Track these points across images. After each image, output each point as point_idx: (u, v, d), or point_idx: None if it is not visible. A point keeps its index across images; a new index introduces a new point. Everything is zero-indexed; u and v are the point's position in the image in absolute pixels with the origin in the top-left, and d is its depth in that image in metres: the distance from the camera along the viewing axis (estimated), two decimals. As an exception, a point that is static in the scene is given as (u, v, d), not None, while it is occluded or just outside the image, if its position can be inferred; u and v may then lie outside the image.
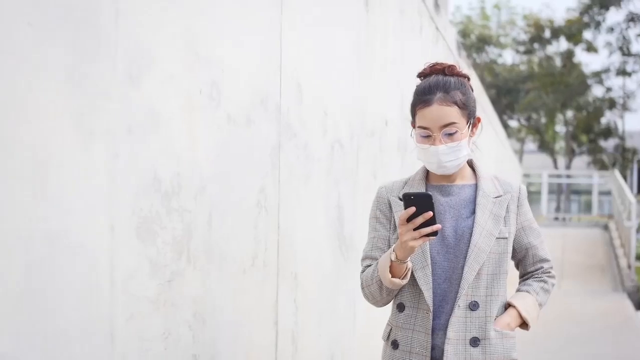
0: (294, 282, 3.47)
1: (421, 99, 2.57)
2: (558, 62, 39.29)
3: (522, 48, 40.88)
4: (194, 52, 2.55)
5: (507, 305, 2.67)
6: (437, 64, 2.66)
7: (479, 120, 2.69)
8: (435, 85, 2.57)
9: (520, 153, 41.32)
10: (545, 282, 2.79)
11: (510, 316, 2.66)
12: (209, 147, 2.68)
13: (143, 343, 2.31)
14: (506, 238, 2.63)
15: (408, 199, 2.33)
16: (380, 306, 2.71)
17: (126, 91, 2.18)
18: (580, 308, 12.28)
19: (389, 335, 2.69)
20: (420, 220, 2.33)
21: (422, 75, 2.67)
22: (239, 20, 2.90)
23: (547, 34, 38.85)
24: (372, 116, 4.78)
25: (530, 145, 46.89)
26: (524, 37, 40.68)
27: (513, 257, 2.76)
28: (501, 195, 2.66)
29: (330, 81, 3.98)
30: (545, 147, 42.17)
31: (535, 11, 42.34)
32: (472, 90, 2.66)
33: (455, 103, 2.54)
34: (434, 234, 2.36)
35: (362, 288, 2.67)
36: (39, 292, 1.85)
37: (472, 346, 2.56)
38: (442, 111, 2.53)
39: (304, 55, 3.57)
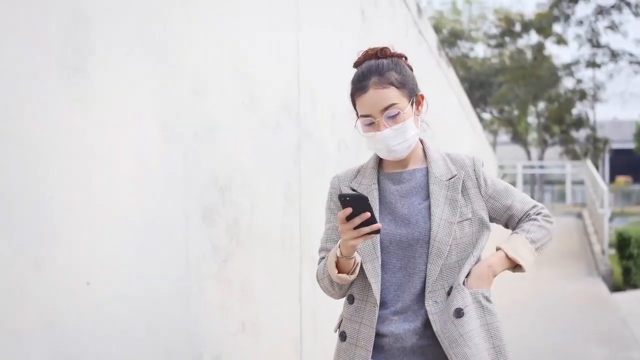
0: (312, 264, 3.98)
1: (357, 86, 2.48)
2: (529, 55, 39.91)
3: (493, 42, 41.47)
4: (238, 71, 3.06)
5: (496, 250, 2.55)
6: (369, 49, 2.56)
7: (422, 97, 2.55)
8: (368, 70, 2.47)
9: (493, 145, 41.96)
10: (536, 220, 2.61)
11: (495, 257, 2.52)
12: (250, 148, 3.19)
13: (208, 311, 2.82)
14: (470, 219, 2.50)
15: (344, 200, 2.24)
16: (337, 298, 2.61)
17: (192, 104, 2.69)
18: (558, 291, 12.85)
19: (339, 326, 2.60)
20: (358, 220, 2.23)
21: (358, 64, 2.57)
22: (268, 44, 3.42)
23: (517, 27, 39.46)
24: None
25: (503, 137, 47.56)
26: (495, 31, 41.26)
27: (499, 222, 2.65)
28: (454, 175, 2.53)
29: (337, 87, 4.48)
30: (518, 138, 42.82)
31: (506, 5, 43.41)
32: (412, 69, 2.55)
33: (392, 84, 2.43)
34: (376, 231, 2.26)
35: (317, 281, 2.62)
36: (144, 266, 2.36)
37: (458, 317, 2.41)
38: (380, 95, 2.42)
39: (317, 67, 4.09)
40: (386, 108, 2.41)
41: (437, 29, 39.40)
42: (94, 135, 2.12)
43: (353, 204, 2.22)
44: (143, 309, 2.36)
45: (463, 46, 42.26)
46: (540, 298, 12.03)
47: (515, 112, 42.05)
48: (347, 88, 2.48)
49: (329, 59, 4.36)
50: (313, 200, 3.99)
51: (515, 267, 2.55)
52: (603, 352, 8.15)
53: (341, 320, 2.58)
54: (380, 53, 2.51)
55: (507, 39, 40.36)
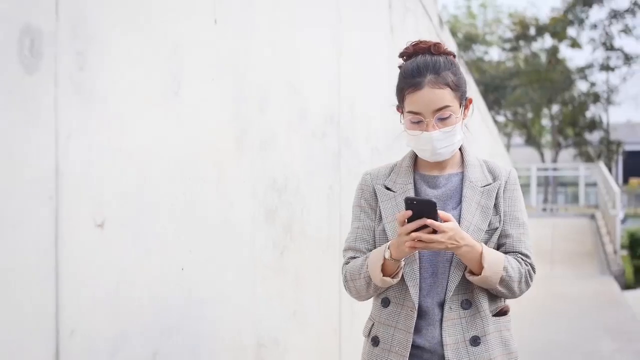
0: (350, 259, 4.41)
1: (410, 82, 2.37)
2: (543, 58, 40.24)
3: (508, 45, 41.80)
4: (292, 89, 3.50)
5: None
6: (421, 42, 2.44)
7: (470, 101, 2.48)
8: (424, 66, 2.35)
9: (507, 147, 42.20)
10: (520, 263, 2.39)
11: (470, 239, 2.28)
12: (301, 155, 3.62)
13: (268, 299, 3.25)
14: (497, 228, 2.40)
15: (410, 204, 2.17)
16: (363, 301, 2.55)
17: (258, 118, 3.13)
18: (571, 289, 13.25)
19: (370, 331, 2.52)
20: (420, 223, 2.18)
21: (406, 55, 2.47)
22: (315, 65, 3.86)
23: (532, 31, 39.80)
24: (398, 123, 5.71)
25: (517, 139, 47.82)
26: (509, 34, 41.61)
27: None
28: (490, 184, 2.43)
29: (370, 99, 4.92)
30: (532, 141, 43.08)
31: (521, 9, 43.61)
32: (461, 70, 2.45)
33: (448, 85, 2.33)
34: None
35: (346, 281, 2.50)
36: (221, 257, 2.80)
37: (473, 345, 2.35)
38: (434, 94, 2.31)
39: (354, 83, 4.52)
40: (439, 109, 2.33)
41: (452, 33, 39.62)
42: (185, 146, 2.55)
43: (416, 208, 2.16)
44: (221, 293, 2.80)
45: (478, 50, 42.64)
46: (554, 295, 12.44)
47: (530, 115, 42.33)
48: (393, 83, 2.52)
49: (364, 74, 4.80)
50: (351, 202, 4.41)
51: (471, 274, 2.37)
52: (614, 345, 8.58)
53: (372, 325, 2.51)
54: (434, 48, 2.41)
55: (521, 42, 40.73)
